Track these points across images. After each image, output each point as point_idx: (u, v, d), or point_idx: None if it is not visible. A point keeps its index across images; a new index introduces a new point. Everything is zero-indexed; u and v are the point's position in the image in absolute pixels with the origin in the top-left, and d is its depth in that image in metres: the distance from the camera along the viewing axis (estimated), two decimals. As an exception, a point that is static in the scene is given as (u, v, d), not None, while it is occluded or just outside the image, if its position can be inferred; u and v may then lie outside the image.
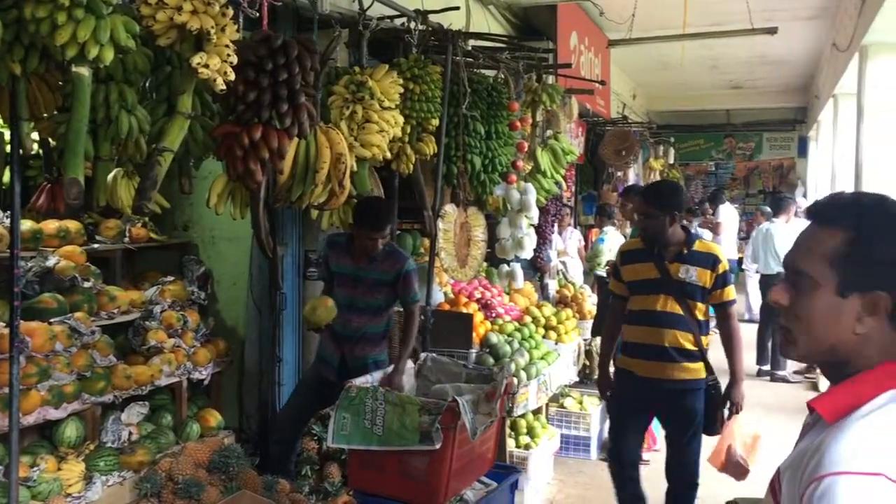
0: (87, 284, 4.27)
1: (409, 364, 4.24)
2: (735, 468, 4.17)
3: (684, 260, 4.07)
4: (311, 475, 4.41)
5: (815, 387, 8.44)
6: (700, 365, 4.10)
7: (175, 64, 3.19)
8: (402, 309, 4.36)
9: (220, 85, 2.84)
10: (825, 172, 11.94)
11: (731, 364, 4.18)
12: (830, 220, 1.37)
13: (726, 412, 4.17)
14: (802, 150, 16.80)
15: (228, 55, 2.84)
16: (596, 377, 4.90)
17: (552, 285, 7.59)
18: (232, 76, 2.88)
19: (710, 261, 4.07)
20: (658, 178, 13.11)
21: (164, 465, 3.94)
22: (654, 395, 4.14)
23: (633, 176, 11.45)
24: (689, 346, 4.07)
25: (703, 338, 4.11)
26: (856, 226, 1.33)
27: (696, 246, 4.12)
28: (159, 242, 5.11)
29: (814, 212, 1.41)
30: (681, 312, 4.06)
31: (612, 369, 4.52)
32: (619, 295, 4.36)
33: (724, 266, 4.09)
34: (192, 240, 5.37)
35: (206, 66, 2.76)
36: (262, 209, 3.47)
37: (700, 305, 4.10)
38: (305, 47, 3.23)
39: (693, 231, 4.39)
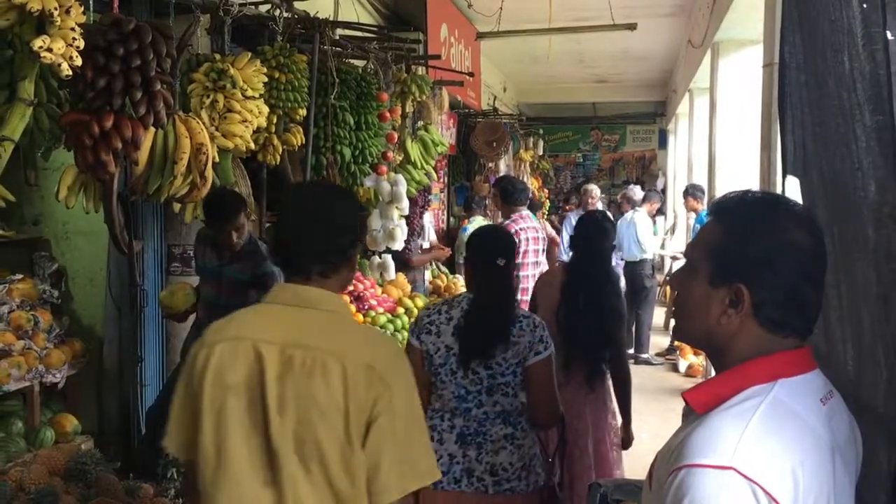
0: (-78, 285, 3.95)
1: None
2: None
3: None
4: (178, 477, 4.25)
5: (675, 368, 8.87)
6: None
7: (17, 47, 2.98)
8: None
9: (66, 70, 2.66)
10: (683, 163, 12.54)
11: None
12: (717, 215, 1.43)
13: None
14: (663, 142, 17.58)
15: (74, 39, 2.66)
16: None
17: (426, 276, 7.63)
18: (79, 61, 2.71)
19: None
20: (528, 169, 13.38)
21: (14, 474, 3.70)
22: None
23: (504, 167, 11.62)
24: None
25: None
26: (731, 222, 1.38)
27: None
28: (6, 238, 4.77)
29: (711, 206, 1.48)
30: None
31: None
32: None
33: None
34: (43, 235, 5.05)
35: (50, 49, 2.58)
36: (115, 202, 3.30)
37: None
38: (160, 32, 3.07)
39: None
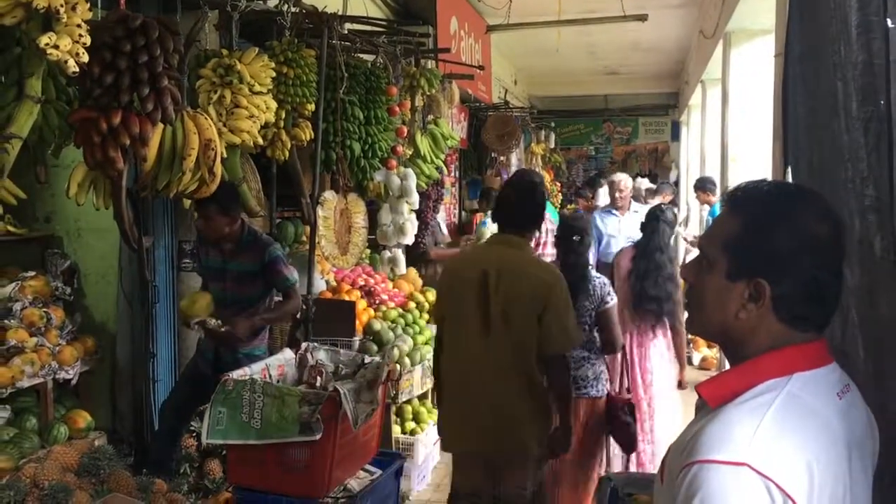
0: (-65, 282, 3.98)
1: (290, 354, 4.16)
2: None
3: None
4: (191, 473, 4.27)
5: (689, 360, 8.81)
6: None
7: (24, 45, 2.99)
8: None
9: (73, 67, 2.67)
10: (696, 155, 12.44)
11: None
12: (732, 207, 1.38)
13: None
14: (675, 134, 17.45)
15: (81, 35, 2.67)
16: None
17: (438, 270, 7.62)
18: (85, 58, 2.72)
19: None
20: (540, 162, 13.34)
21: (29, 470, 3.71)
22: None
23: (515, 161, 11.59)
24: None
25: None
26: (749, 214, 1.34)
27: None
28: (18, 236, 4.80)
29: (726, 197, 1.43)
30: None
31: None
32: None
33: None
34: (55, 232, 5.07)
35: (56, 46, 2.59)
36: (124, 198, 3.31)
37: None
38: (167, 28, 3.08)
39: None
